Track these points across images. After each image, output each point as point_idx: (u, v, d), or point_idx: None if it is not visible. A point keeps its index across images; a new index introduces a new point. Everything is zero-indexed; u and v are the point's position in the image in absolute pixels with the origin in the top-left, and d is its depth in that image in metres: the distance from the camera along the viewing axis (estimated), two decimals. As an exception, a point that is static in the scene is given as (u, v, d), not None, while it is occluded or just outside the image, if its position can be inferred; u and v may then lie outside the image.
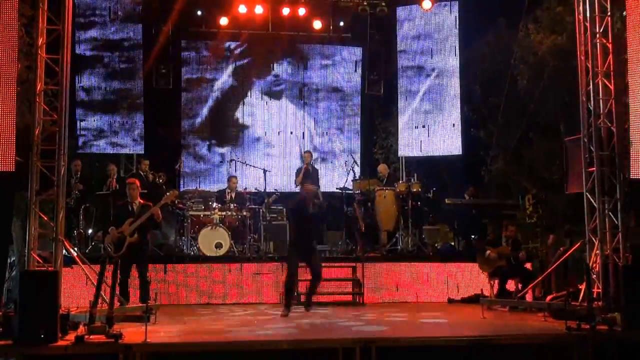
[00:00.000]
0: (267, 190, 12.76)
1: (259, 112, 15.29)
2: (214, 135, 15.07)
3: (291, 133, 15.33)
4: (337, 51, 15.56)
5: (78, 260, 9.02)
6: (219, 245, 11.38)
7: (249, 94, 15.27)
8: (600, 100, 9.28)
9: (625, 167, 8.91)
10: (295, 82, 15.43)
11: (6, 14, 7.96)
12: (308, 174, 13.33)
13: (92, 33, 13.66)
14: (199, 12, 14.50)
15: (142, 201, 9.41)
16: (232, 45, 15.13)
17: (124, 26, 13.79)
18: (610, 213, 9.13)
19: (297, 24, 14.64)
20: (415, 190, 12.81)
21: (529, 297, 10.43)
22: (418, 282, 11.59)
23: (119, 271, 8.21)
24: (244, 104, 15.24)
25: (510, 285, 10.76)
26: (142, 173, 12.43)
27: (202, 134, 15.06)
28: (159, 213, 9.28)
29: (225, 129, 15.15)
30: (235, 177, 13.08)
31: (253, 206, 12.42)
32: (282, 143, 15.29)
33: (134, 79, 13.73)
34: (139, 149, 13.70)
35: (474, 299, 10.69)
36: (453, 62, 14.28)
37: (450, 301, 11.42)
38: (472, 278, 11.56)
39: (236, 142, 15.12)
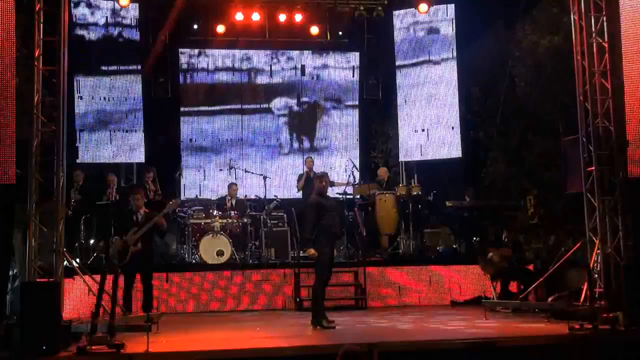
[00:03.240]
0: (267, 197, 12.78)
1: (257, 119, 15.29)
2: (213, 142, 15.06)
3: (290, 139, 15.33)
4: (334, 56, 15.55)
5: (78, 271, 9.03)
6: (220, 253, 11.40)
7: (247, 101, 15.27)
8: (598, 100, 9.29)
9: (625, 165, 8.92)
10: (293, 88, 15.43)
11: (4, 27, 7.98)
12: (310, 180, 13.31)
13: (90, 41, 13.69)
14: (196, 22, 14.53)
15: (146, 210, 9.43)
16: (229, 52, 15.13)
17: (123, 34, 13.82)
18: (610, 212, 9.12)
19: (294, 30, 14.66)
20: (415, 193, 12.83)
21: (531, 299, 10.41)
22: (420, 286, 11.60)
23: (119, 281, 8.21)
24: (242, 111, 15.24)
25: (513, 286, 10.76)
26: (145, 185, 12.38)
27: (202, 142, 15.05)
28: (163, 221, 9.29)
29: (224, 136, 15.14)
30: (236, 184, 13.07)
31: (254, 213, 12.44)
32: (281, 149, 15.29)
33: (133, 89, 13.74)
34: (139, 159, 13.70)
35: (477, 301, 10.69)
36: (451, 64, 14.31)
37: (453, 304, 11.41)
38: (474, 280, 11.57)
39: (236, 149, 15.11)
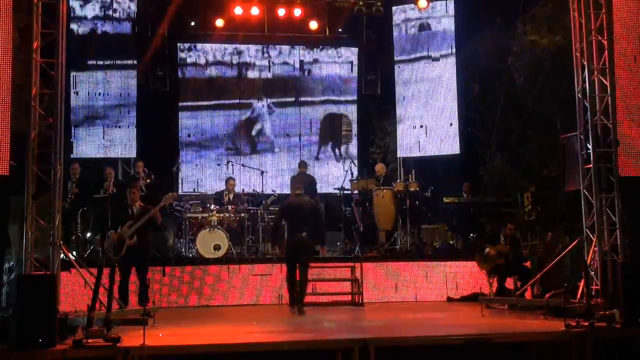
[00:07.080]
0: (264, 192, 12.76)
1: (255, 114, 15.26)
2: (210, 137, 15.03)
3: (287, 135, 15.30)
4: (333, 51, 15.51)
5: (75, 264, 9.01)
6: (217, 247, 11.38)
7: (244, 95, 15.23)
8: (596, 97, 9.30)
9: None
10: (290, 83, 15.39)
11: (0, 20, 7.95)
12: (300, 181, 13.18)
13: (88, 36, 13.65)
14: (195, 15, 14.47)
15: (141, 204, 9.41)
16: (228, 46, 15.10)
17: (119, 28, 13.78)
18: (607, 210, 9.13)
19: (293, 25, 14.61)
20: (413, 189, 12.80)
21: (528, 295, 10.43)
22: (417, 282, 11.58)
23: (116, 274, 8.20)
24: (240, 105, 15.21)
25: (509, 283, 10.76)
26: (137, 176, 12.36)
27: (199, 136, 15.02)
28: (158, 215, 9.26)
29: (222, 130, 15.10)
30: (233, 178, 13.04)
31: (251, 208, 12.42)
32: (279, 144, 15.26)
33: (130, 82, 13.70)
34: (137, 152, 13.66)
35: (473, 298, 10.69)
36: (450, 60, 14.29)
37: (450, 300, 11.41)
38: (471, 276, 11.55)
39: (233, 144, 15.09)
